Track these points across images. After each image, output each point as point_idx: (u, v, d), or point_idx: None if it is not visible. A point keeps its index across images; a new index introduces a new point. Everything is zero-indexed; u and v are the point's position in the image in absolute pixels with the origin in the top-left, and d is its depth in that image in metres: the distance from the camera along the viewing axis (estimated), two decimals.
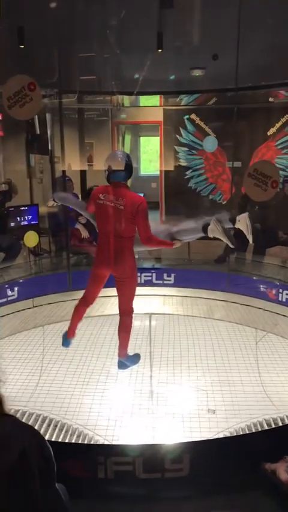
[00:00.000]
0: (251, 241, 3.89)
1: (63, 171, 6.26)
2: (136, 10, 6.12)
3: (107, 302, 5.45)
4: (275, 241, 6.33)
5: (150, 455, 2.67)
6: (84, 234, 5.94)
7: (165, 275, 6.08)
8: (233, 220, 3.87)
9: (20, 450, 1.27)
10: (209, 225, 3.73)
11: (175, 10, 6.12)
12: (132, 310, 3.95)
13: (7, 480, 1.26)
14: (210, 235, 3.79)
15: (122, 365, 4.03)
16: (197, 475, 2.65)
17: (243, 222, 3.82)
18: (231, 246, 3.86)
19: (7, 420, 1.33)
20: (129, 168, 3.73)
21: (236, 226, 3.86)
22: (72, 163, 7.52)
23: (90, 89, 7.54)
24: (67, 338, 4.13)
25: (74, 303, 5.71)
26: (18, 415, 3.72)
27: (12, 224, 6.06)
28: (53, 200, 4.36)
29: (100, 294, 5.30)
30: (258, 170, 2.51)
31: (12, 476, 1.26)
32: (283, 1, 5.56)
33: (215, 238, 3.79)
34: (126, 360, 4.01)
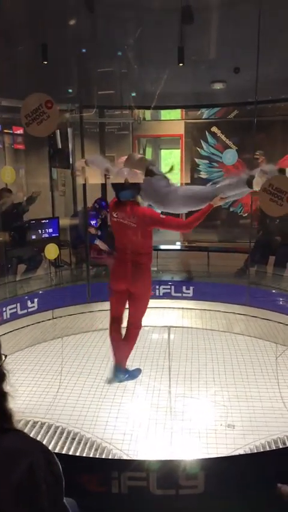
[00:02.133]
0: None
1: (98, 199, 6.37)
2: (157, 25, 6.22)
3: (125, 314, 5.45)
4: None
5: (165, 471, 2.65)
6: (103, 247, 6.01)
7: (184, 288, 6.06)
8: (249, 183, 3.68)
9: (28, 466, 1.28)
10: (254, 177, 3.58)
11: (196, 25, 6.19)
12: (140, 326, 4.00)
13: (15, 496, 1.26)
14: (256, 188, 3.56)
15: (117, 375, 4.13)
16: (211, 492, 2.62)
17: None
18: None
19: (15, 435, 1.34)
20: (134, 186, 3.70)
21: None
22: (93, 176, 7.60)
23: (110, 103, 7.64)
24: (119, 369, 4.14)
25: (93, 315, 5.81)
26: (36, 427, 3.74)
27: (33, 236, 6.16)
28: (85, 162, 4.26)
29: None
30: (273, 185, 2.51)
31: (20, 492, 1.27)
32: None
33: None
34: (124, 372, 4.13)
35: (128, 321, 4.02)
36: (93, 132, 7.96)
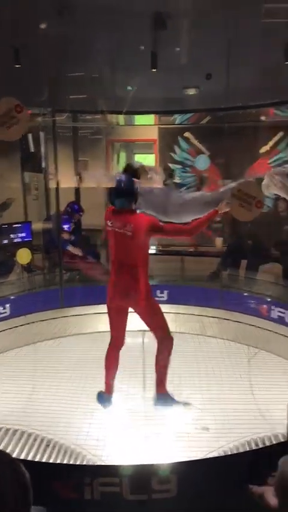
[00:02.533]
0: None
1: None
2: (131, 30, 6.24)
3: (99, 319, 5.44)
4: (268, 258, 6.37)
5: (138, 476, 2.64)
6: (77, 252, 5.97)
7: (158, 292, 6.09)
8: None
9: None
10: (263, 180, 3.35)
11: (168, 31, 6.24)
12: (166, 337, 3.68)
13: None
14: (266, 192, 3.41)
15: (159, 401, 3.78)
16: (184, 496, 2.62)
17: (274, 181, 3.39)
18: None
19: None
20: (130, 194, 3.45)
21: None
22: (66, 180, 7.58)
23: (83, 107, 7.63)
24: (103, 395, 3.86)
25: (67, 320, 5.78)
26: (8, 434, 3.69)
27: (5, 241, 6.08)
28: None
29: (92, 311, 5.33)
30: (242, 190, 2.54)
31: None
32: (271, 24, 5.67)
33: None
34: (165, 396, 3.77)
35: (155, 337, 3.73)
36: (67, 136, 7.93)
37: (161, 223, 3.44)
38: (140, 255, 3.45)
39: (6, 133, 2.93)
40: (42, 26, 4.92)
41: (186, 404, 3.89)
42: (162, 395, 3.79)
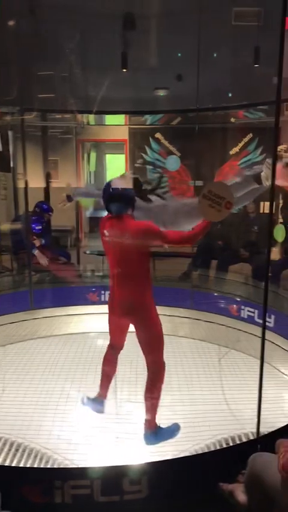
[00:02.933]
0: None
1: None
2: (101, 30, 6.23)
3: (70, 321, 5.40)
4: (237, 259, 6.45)
5: (108, 478, 2.63)
6: (42, 261, 5.84)
7: None
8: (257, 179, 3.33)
9: None
10: (261, 172, 3.20)
11: (138, 31, 6.26)
12: (160, 363, 3.40)
13: None
14: (266, 183, 3.17)
15: (150, 439, 3.36)
16: (155, 496, 2.63)
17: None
18: None
19: None
20: (127, 198, 3.20)
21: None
22: (35, 180, 7.50)
23: (53, 106, 7.57)
24: (97, 399, 3.65)
25: (37, 322, 5.70)
26: None
27: None
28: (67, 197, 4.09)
29: (63, 313, 5.28)
30: (212, 191, 2.56)
31: None
32: (241, 27, 5.76)
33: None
34: (156, 433, 3.36)
35: (146, 362, 3.42)
36: (36, 136, 7.85)
37: (161, 230, 3.10)
38: (141, 264, 3.16)
39: None
40: (11, 23, 4.84)
41: (176, 428, 3.51)
42: (154, 432, 3.40)
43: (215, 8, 6.04)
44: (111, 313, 3.38)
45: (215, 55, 6.08)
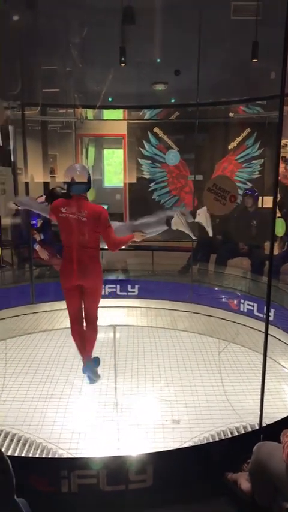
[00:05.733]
0: (210, 234, 4.10)
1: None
2: (100, 25, 6.22)
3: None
4: (236, 253, 6.49)
5: (114, 468, 2.68)
6: (43, 255, 5.89)
7: (129, 286, 6.12)
8: (193, 214, 4.08)
9: None
10: (173, 218, 3.90)
11: (137, 26, 6.26)
12: (97, 317, 4.13)
13: None
14: (174, 227, 3.96)
15: (88, 369, 4.22)
16: (160, 485, 2.67)
17: (202, 216, 4.00)
18: (193, 237, 4.15)
19: None
20: (89, 181, 3.85)
21: (196, 220, 4.06)
22: (35, 175, 7.50)
23: (53, 101, 7.56)
24: (85, 365, 4.21)
25: (38, 316, 5.74)
26: None
27: None
28: (14, 204, 4.48)
29: (63, 307, 5.28)
30: (217, 185, 2.60)
31: None
32: (240, 22, 5.77)
33: (177, 231, 4.01)
34: (92, 364, 4.25)
35: (86, 317, 4.11)
36: (36, 130, 7.84)
37: (108, 223, 3.78)
38: (94, 237, 3.77)
39: None
40: (15, 18, 4.84)
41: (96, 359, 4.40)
42: (90, 364, 4.25)
43: (214, 1, 6.05)
44: (69, 280, 3.89)
45: (213, 50, 6.06)
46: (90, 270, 3.83)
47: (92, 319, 4.13)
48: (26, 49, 5.33)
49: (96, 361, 4.41)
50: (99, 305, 4.15)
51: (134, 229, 4.05)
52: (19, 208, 4.56)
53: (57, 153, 8.49)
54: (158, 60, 6.91)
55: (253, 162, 8.27)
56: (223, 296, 5.84)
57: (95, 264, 3.86)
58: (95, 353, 4.37)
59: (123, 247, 4.13)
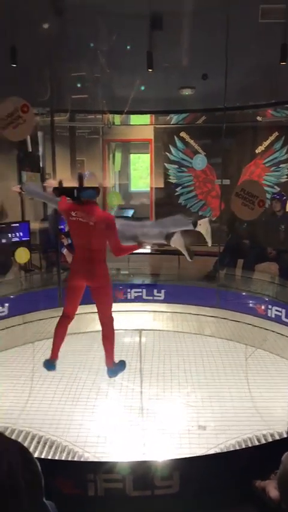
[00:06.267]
0: (209, 244, 4.22)
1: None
2: (127, 31, 6.27)
3: (97, 318, 5.44)
4: (264, 257, 6.41)
5: (140, 473, 2.67)
6: (70, 259, 5.94)
7: (155, 291, 6.11)
8: (194, 224, 4.17)
9: (8, 466, 1.28)
10: (173, 235, 4.07)
11: (165, 31, 6.27)
12: (112, 318, 4.17)
13: None
14: (172, 245, 4.16)
15: (112, 373, 4.25)
16: (186, 492, 2.65)
17: (203, 226, 4.11)
18: (189, 259, 4.28)
19: None
20: (98, 187, 4.01)
21: (197, 229, 4.15)
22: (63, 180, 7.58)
23: (81, 107, 7.64)
24: (50, 360, 4.23)
25: None
26: (7, 433, 3.69)
27: (4, 240, 6.08)
28: (20, 188, 4.56)
29: (90, 310, 5.33)
30: (245, 190, 2.58)
31: (0, 491, 1.27)
32: (268, 24, 5.72)
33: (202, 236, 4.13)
34: (115, 368, 4.24)
35: (100, 319, 4.16)
36: (64, 136, 7.94)
37: (115, 228, 3.88)
38: (100, 241, 3.90)
39: (13, 133, 2.93)
40: (45, 25, 4.92)
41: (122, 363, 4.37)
42: (113, 368, 4.25)
43: (242, 5, 6.01)
44: (76, 278, 4.06)
45: (241, 53, 6.03)
46: (95, 270, 3.96)
47: (105, 321, 4.16)
48: (55, 56, 5.41)
49: (122, 364, 4.41)
50: (112, 308, 4.20)
51: (137, 237, 4.21)
52: (23, 192, 4.61)
53: (84, 158, 8.57)
54: (185, 65, 6.89)
55: (281, 165, 8.16)
56: (250, 301, 5.77)
57: (100, 265, 3.98)
58: (121, 357, 4.38)
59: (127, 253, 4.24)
